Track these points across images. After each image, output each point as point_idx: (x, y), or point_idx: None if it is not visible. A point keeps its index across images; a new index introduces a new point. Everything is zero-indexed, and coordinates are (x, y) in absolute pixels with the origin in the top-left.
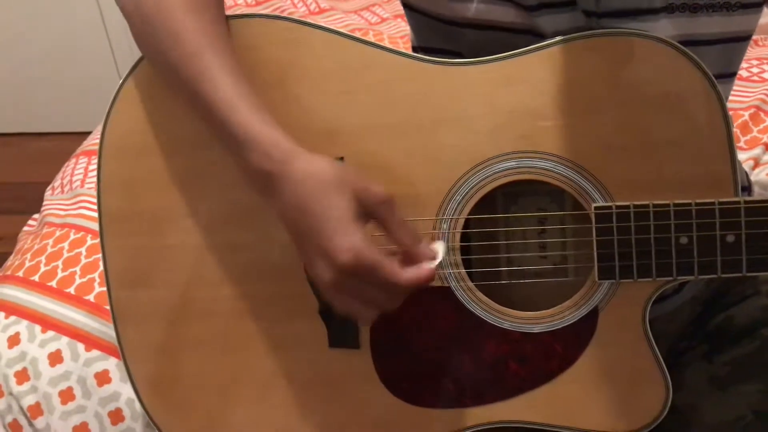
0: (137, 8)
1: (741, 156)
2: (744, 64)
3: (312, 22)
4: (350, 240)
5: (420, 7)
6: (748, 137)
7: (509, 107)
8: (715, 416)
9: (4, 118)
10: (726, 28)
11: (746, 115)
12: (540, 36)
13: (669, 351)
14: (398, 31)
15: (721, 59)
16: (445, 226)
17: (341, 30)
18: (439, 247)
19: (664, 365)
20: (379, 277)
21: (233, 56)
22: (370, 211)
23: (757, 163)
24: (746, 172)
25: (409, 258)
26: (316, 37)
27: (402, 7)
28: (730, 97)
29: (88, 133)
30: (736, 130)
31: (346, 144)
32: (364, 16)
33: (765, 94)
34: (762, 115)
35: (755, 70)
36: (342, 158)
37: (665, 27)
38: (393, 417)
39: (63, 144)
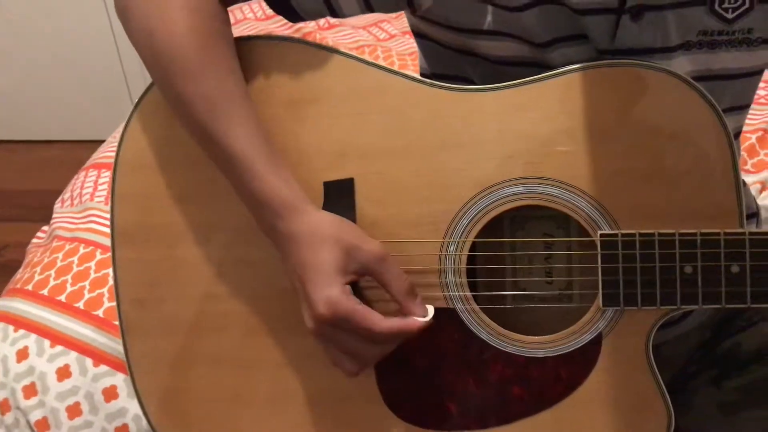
0: (151, 54)
1: (748, 179)
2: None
3: (326, 45)
4: (327, 292)
5: (431, 35)
6: (755, 160)
7: (519, 133)
8: None
9: (10, 125)
10: (745, 63)
11: (753, 138)
12: (551, 69)
13: (677, 376)
14: (406, 48)
15: (738, 92)
16: (452, 248)
17: (354, 53)
18: (431, 311)
19: (666, 394)
20: (356, 324)
21: (249, 103)
22: (363, 267)
23: (764, 186)
24: (754, 197)
25: (403, 313)
26: (328, 60)
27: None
28: None
29: (94, 142)
30: (743, 154)
31: (357, 165)
32: (373, 32)
33: None
34: None
35: (762, 92)
36: (352, 179)
37: (682, 64)
38: None
39: (69, 152)
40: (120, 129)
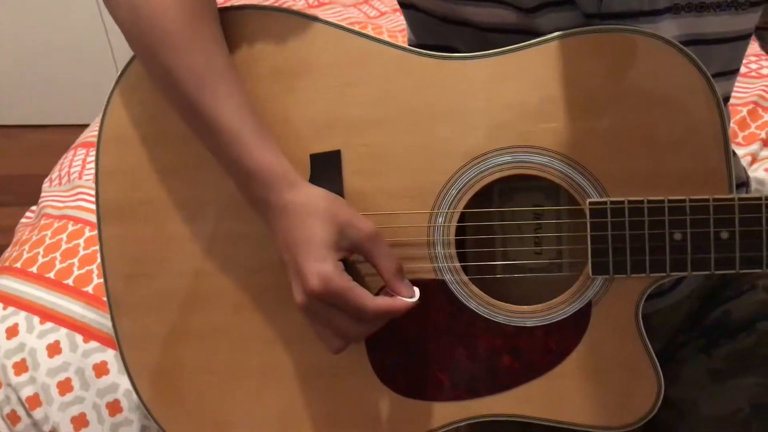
0: (136, 27)
1: (739, 152)
2: (743, 60)
3: (310, 14)
4: (321, 266)
5: (418, 4)
6: (746, 133)
7: (506, 102)
8: (712, 409)
9: (1, 109)
10: (732, 27)
11: (744, 111)
12: (539, 36)
13: (667, 345)
14: (397, 25)
15: (726, 57)
16: (440, 219)
17: (340, 23)
18: (418, 292)
19: (656, 361)
20: (347, 301)
21: (235, 77)
22: (355, 244)
23: (754, 158)
24: (744, 168)
25: (390, 292)
26: (314, 29)
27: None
28: None
29: (86, 126)
30: (734, 126)
31: (343, 136)
32: (363, 9)
33: (763, 90)
34: (760, 111)
35: (753, 66)
36: (339, 151)
37: (669, 27)
38: (387, 409)
39: (60, 136)
40: None
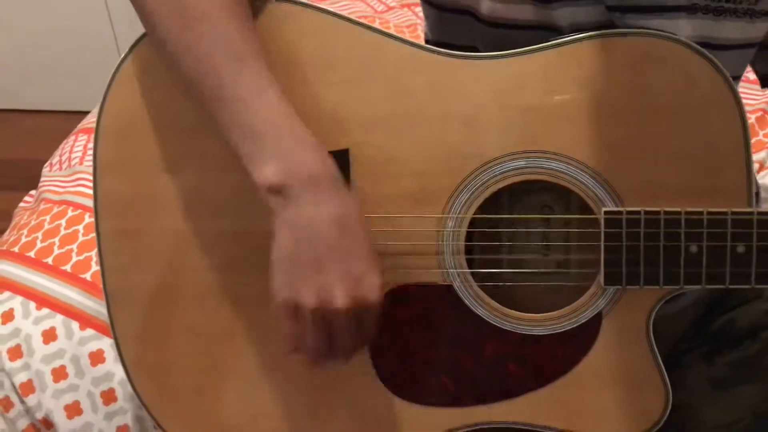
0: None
1: None
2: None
3: (322, 6)
4: (375, 276)
5: None
6: (754, 140)
7: (521, 105)
8: (714, 417)
9: (2, 94)
10: (746, 34)
11: (753, 118)
12: (556, 32)
13: (670, 351)
14: (404, 20)
15: (734, 63)
16: (450, 224)
17: (351, 17)
18: None
19: (665, 372)
20: (373, 321)
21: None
22: None
23: (762, 166)
24: (756, 178)
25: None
26: (326, 23)
27: None
28: None
29: (86, 112)
30: None
31: (352, 134)
32: (371, 3)
33: None
34: None
35: None
36: (347, 150)
37: (684, 27)
38: (390, 413)
39: (59, 122)
40: None
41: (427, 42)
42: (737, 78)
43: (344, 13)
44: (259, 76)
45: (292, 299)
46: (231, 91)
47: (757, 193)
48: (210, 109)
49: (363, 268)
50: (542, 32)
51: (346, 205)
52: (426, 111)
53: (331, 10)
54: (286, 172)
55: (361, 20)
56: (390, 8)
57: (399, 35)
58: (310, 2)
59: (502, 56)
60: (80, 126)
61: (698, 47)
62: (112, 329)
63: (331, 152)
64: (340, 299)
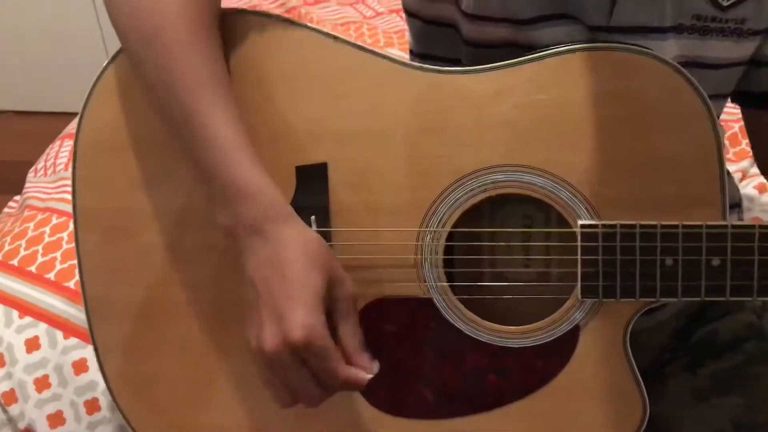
0: (136, 23)
1: (730, 168)
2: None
3: (301, 22)
4: (311, 318)
5: (415, 11)
6: (737, 149)
7: (498, 119)
8: (695, 428)
9: None
10: (732, 54)
11: (736, 127)
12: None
13: (652, 362)
14: (393, 26)
15: (719, 82)
16: (428, 237)
17: (331, 32)
18: (377, 366)
19: (642, 385)
20: (322, 363)
21: (231, 88)
22: (335, 303)
23: (744, 175)
24: (737, 187)
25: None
26: (304, 38)
27: (399, 1)
28: None
29: (74, 114)
30: (725, 142)
31: (331, 149)
32: (359, 9)
33: None
34: None
35: None
36: (326, 164)
37: (671, 47)
38: (369, 426)
39: (45, 124)
40: None
41: (411, 54)
42: (726, 96)
43: (333, 18)
44: (214, 107)
45: (248, 344)
46: (187, 128)
47: (739, 204)
48: (175, 139)
49: (283, 306)
50: (521, 50)
51: (283, 246)
52: (404, 125)
53: (310, 25)
54: (233, 219)
55: (347, 26)
56: (378, 14)
57: (377, 49)
58: (296, 9)
59: (481, 71)
60: (65, 131)
61: (674, 63)
62: (93, 341)
63: (309, 166)
64: (267, 343)
